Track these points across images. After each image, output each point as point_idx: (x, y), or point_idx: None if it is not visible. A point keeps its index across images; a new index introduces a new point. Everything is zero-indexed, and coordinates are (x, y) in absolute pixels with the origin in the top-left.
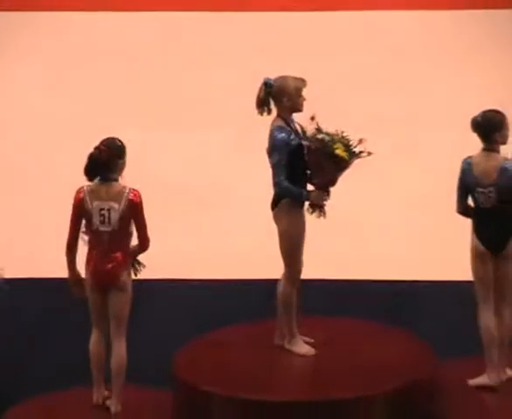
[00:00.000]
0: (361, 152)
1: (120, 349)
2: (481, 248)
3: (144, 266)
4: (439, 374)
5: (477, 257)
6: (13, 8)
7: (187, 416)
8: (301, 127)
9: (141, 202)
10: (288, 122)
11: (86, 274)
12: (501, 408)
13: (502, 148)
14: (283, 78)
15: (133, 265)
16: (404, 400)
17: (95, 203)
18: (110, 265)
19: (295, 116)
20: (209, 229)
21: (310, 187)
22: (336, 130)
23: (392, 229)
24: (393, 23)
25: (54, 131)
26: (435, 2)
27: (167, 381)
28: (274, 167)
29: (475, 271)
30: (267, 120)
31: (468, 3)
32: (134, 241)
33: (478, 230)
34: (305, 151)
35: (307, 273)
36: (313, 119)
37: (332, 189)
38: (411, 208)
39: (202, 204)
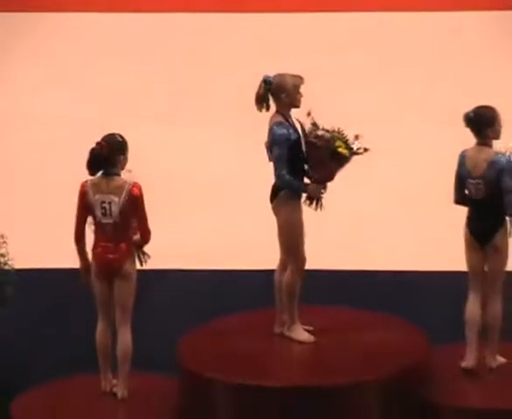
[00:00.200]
0: (359, 148)
1: (125, 336)
2: (471, 238)
3: (149, 257)
4: (432, 359)
5: (467, 247)
6: (20, 9)
7: (192, 402)
8: (301, 124)
9: (141, 196)
10: (287, 118)
11: (92, 263)
12: (490, 391)
13: (495, 142)
14: (281, 75)
15: (138, 256)
16: (399, 385)
17: (97, 196)
18: (114, 255)
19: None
20: (212, 221)
21: (306, 180)
22: (332, 127)
23: (390, 221)
24: (387, 24)
25: (64, 127)
26: (431, 3)
27: (172, 368)
28: (276, 161)
29: (466, 260)
30: (268, 117)
31: (462, 5)
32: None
33: (469, 221)
34: (304, 146)
35: (307, 264)
36: (309, 114)
37: (330, 184)
38: (409, 200)
39: (205, 197)
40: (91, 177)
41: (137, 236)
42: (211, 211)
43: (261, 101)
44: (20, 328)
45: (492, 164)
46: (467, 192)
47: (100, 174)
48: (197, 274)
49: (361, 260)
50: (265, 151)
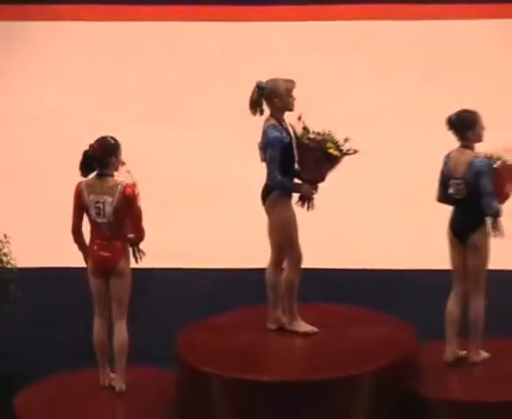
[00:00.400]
0: (348, 150)
1: (121, 331)
2: (451, 236)
3: (144, 254)
4: (420, 354)
5: (450, 245)
6: (31, 18)
7: (189, 395)
8: (292, 127)
9: (134, 196)
10: (280, 121)
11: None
12: (474, 385)
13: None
14: (274, 80)
15: (133, 253)
16: (389, 378)
17: (91, 197)
18: (109, 253)
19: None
20: (207, 220)
21: (297, 181)
22: (323, 130)
23: (380, 220)
24: (378, 31)
25: (65, 129)
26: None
27: (170, 363)
28: (269, 162)
29: (449, 256)
30: (262, 120)
31: (452, 14)
32: None
33: (451, 219)
34: (295, 149)
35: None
36: (299, 118)
37: (321, 184)
38: (401, 200)
39: (202, 197)
40: (88, 177)
41: (132, 235)
42: (207, 211)
43: (255, 106)
44: (22, 325)
45: (471, 166)
46: (451, 191)
47: (94, 175)
48: (194, 273)
49: (352, 259)
50: (257, 151)
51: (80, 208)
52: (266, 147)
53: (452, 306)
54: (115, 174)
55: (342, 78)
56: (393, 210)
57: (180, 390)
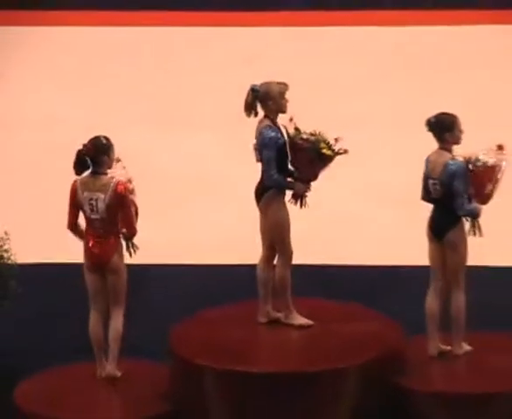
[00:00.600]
0: (340, 150)
1: (117, 320)
2: (430, 233)
3: (138, 248)
4: (406, 348)
5: (428, 242)
6: (27, 23)
7: (182, 387)
8: (285, 128)
9: (126, 193)
10: (274, 123)
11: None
12: (457, 377)
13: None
14: (268, 83)
15: (127, 247)
16: (376, 371)
17: (85, 194)
18: (103, 249)
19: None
20: (202, 219)
21: (290, 180)
22: (315, 130)
23: (371, 218)
24: (370, 37)
25: (63, 130)
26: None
27: (165, 358)
28: (266, 162)
29: (428, 253)
30: (254, 122)
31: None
32: None
33: (430, 218)
34: (288, 149)
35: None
36: (291, 120)
37: (314, 183)
38: (389, 199)
39: (197, 196)
40: (83, 175)
41: (125, 230)
42: (201, 209)
43: (249, 108)
44: (23, 321)
45: (446, 167)
46: (430, 191)
47: (89, 173)
48: (187, 268)
49: (344, 255)
50: (251, 152)
51: (75, 205)
52: (263, 147)
53: (430, 302)
54: (110, 171)
55: (334, 82)
56: (383, 208)
57: (174, 383)
